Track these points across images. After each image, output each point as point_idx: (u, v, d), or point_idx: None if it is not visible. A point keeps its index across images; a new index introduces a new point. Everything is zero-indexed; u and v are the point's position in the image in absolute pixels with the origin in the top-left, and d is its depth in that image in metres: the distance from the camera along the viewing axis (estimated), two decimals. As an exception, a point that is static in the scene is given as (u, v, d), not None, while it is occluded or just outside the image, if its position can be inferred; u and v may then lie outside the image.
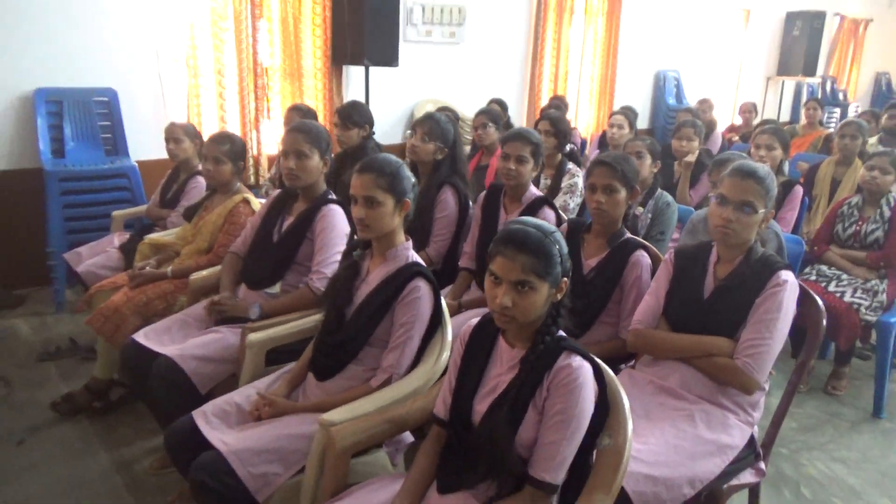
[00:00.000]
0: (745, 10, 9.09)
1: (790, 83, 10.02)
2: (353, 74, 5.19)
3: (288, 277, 2.39)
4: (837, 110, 10.42)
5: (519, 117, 6.41)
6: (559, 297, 1.45)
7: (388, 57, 4.80)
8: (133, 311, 2.59)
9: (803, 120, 6.39)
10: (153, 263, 2.82)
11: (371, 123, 3.39)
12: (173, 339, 2.27)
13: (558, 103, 5.49)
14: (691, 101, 7.99)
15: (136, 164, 4.00)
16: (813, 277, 3.21)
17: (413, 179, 1.92)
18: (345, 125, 3.32)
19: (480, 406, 1.48)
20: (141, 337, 2.28)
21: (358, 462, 1.74)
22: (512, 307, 1.39)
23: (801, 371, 1.97)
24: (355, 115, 3.34)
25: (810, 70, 9.37)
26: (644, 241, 2.25)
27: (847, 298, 3.03)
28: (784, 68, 9.58)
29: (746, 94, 9.28)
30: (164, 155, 3.97)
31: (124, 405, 2.85)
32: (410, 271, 1.85)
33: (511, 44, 6.30)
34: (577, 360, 1.40)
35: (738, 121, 7.34)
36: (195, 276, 2.60)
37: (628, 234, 2.24)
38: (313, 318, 2.18)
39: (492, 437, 1.42)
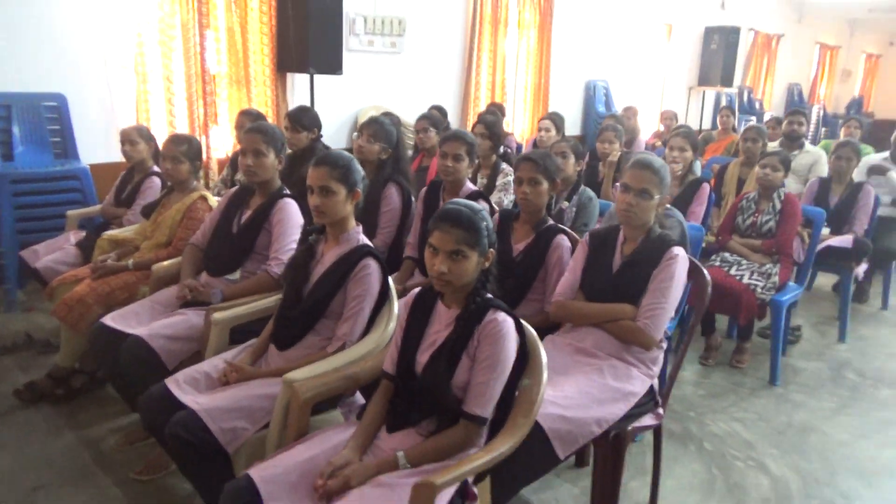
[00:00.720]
0: (668, 25, 9.72)
1: (710, 93, 10.72)
2: (299, 81, 5.41)
3: (247, 265, 2.62)
4: (753, 118, 11.18)
5: (457, 123, 6.74)
6: (487, 265, 1.74)
7: (332, 65, 5.05)
8: (96, 301, 2.76)
9: (719, 126, 6.94)
10: (113, 257, 2.98)
11: (319, 127, 3.64)
12: (140, 322, 2.46)
13: (494, 109, 5.85)
14: (619, 108, 8.51)
15: (88, 168, 4.12)
16: (717, 263, 3.62)
17: (363, 172, 2.19)
18: (294, 128, 3.55)
19: (422, 358, 1.76)
20: (109, 320, 2.46)
21: (315, 420, 1.98)
22: (448, 273, 1.68)
23: (692, 331, 2.33)
24: (304, 119, 3.58)
25: (728, 81, 10.09)
26: (564, 227, 2.58)
27: (745, 280, 3.45)
28: (704, 79, 10.27)
29: (670, 102, 9.91)
30: (112, 158, 4.13)
31: (86, 392, 3.00)
32: (362, 251, 2.12)
33: (449, 54, 6.64)
34: (502, 316, 1.70)
35: (662, 127, 7.87)
36: (157, 266, 2.78)
37: (551, 222, 2.57)
38: (272, 299, 2.42)
39: (432, 381, 1.71)
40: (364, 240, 2.17)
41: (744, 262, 3.60)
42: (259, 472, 1.63)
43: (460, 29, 6.67)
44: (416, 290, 1.90)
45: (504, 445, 1.61)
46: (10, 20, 4.01)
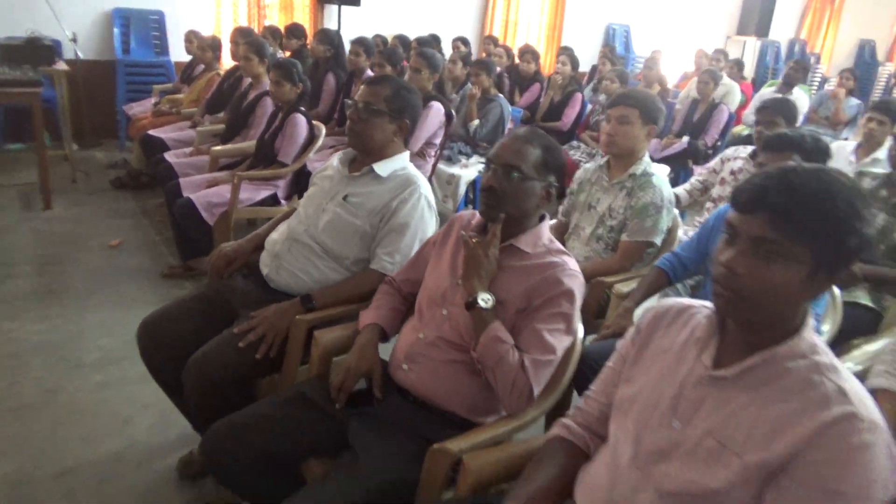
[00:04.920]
0: (710, -25, 10.48)
1: (754, 43, 11.33)
2: (335, 11, 7.18)
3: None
4: (798, 70, 11.66)
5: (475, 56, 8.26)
6: (298, 92, 3.50)
7: (352, -1, 6.80)
8: (152, 126, 4.78)
9: (693, 67, 7.98)
10: (167, 106, 5.02)
11: (305, 37, 5.45)
12: (166, 133, 4.45)
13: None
14: (639, 51, 9.64)
15: (172, 61, 6.22)
16: (569, 150, 5.10)
17: (274, 55, 3.98)
18: (288, 38, 5.39)
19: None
20: (150, 132, 4.47)
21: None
22: (274, 92, 3.46)
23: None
24: (296, 31, 5.41)
25: (763, 31, 10.72)
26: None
27: (574, 158, 4.93)
28: (742, 28, 10.93)
29: (708, 49, 10.72)
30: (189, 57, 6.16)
31: (145, 185, 5.07)
32: (264, 94, 3.92)
33: (466, -6, 8.16)
34: (299, 114, 3.46)
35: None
36: (186, 110, 4.78)
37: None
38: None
39: (266, 149, 3.52)
40: (267, 87, 3.96)
41: (583, 146, 5.06)
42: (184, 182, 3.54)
43: (478, -27, 8.14)
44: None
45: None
46: (131, -40, 6.10)
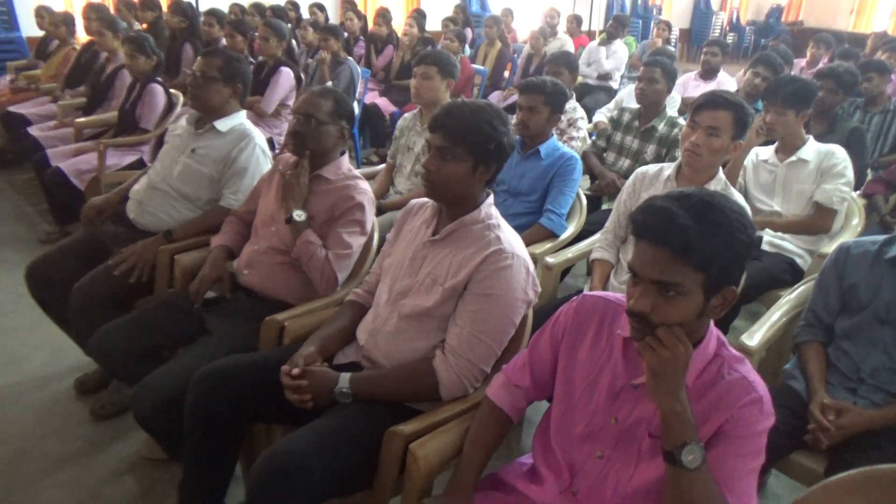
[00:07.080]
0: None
1: (601, -4, 12.27)
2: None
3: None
4: (640, 21, 12.80)
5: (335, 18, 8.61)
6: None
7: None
8: (10, 103, 4.91)
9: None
10: (25, 83, 5.12)
11: (160, 9, 5.66)
12: (28, 109, 4.61)
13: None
14: (495, 10, 10.27)
15: (24, 37, 6.21)
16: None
17: (128, 28, 4.24)
18: (143, 10, 5.58)
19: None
20: (10, 108, 4.61)
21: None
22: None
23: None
24: (150, 4, 5.60)
25: (605, -15, 11.67)
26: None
27: (423, 112, 5.50)
28: (587, -18, 11.83)
29: (559, 7, 11.53)
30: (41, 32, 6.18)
31: (12, 162, 5.19)
32: (121, 67, 4.19)
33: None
34: (156, 83, 3.80)
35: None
36: (44, 85, 4.92)
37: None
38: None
39: (128, 118, 3.84)
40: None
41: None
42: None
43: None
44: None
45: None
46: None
